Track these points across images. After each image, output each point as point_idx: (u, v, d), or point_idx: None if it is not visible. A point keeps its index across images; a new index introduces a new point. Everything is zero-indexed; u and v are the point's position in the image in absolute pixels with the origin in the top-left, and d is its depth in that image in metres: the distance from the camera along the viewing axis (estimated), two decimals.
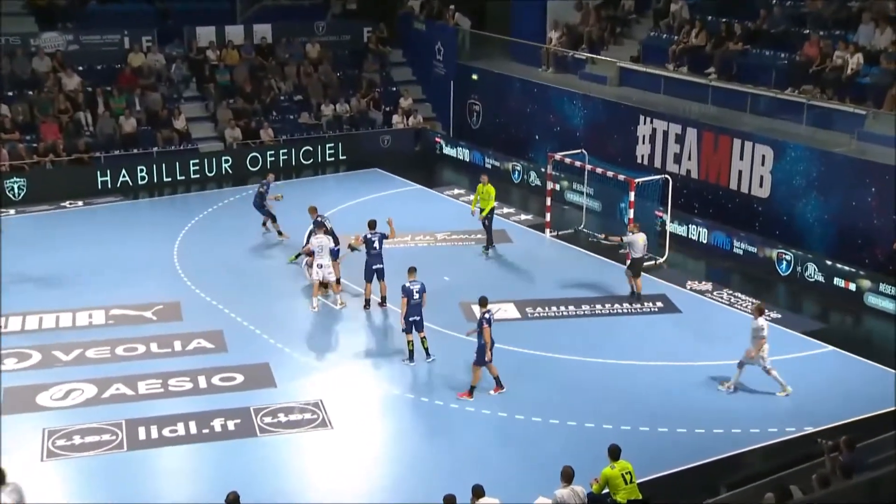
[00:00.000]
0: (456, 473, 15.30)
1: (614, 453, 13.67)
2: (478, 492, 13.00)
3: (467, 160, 32.22)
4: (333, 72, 34.72)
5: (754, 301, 21.73)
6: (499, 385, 18.02)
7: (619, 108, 28.46)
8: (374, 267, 21.20)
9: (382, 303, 21.55)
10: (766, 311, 18.56)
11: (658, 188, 24.70)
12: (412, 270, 19.24)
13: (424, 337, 19.13)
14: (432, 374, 19.00)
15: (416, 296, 18.81)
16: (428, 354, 19.22)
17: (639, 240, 21.92)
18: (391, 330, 20.77)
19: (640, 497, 13.64)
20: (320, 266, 21.33)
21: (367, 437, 16.99)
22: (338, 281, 22.11)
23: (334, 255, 21.80)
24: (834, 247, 23.34)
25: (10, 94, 30.43)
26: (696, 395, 18.28)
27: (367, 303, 21.56)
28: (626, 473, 13.54)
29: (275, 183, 26.49)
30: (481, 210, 24.62)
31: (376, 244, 21.14)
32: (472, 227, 26.19)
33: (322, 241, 21.43)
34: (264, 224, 25.88)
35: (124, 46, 32.86)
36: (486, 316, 17.64)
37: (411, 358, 19.13)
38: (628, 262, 22.42)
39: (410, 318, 18.89)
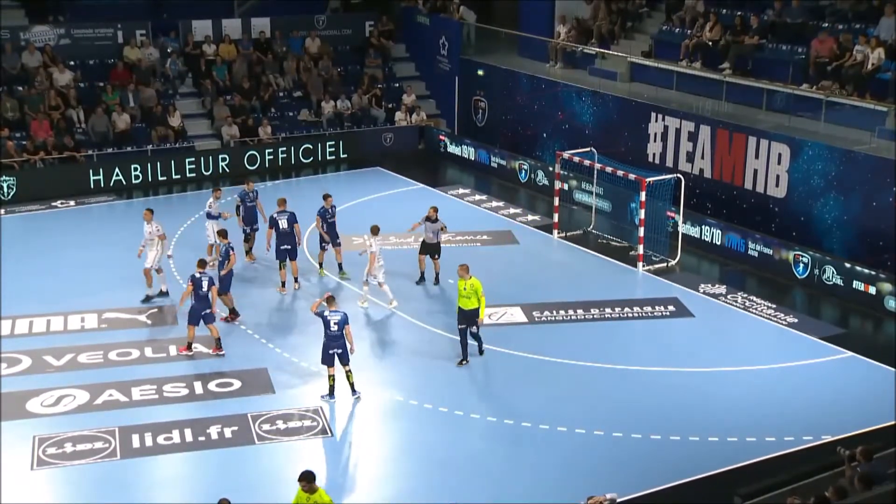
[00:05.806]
0: (461, 482, 15.31)
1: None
2: None
3: (472, 159, 32.03)
4: (334, 67, 34.53)
5: (770, 304, 21.90)
6: (218, 346, 19.38)
7: (629, 104, 28.30)
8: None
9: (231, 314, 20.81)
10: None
11: (670, 188, 24.49)
12: (332, 299, 17.87)
13: (350, 371, 17.74)
14: (435, 380, 18.76)
15: (335, 327, 17.39)
16: (354, 391, 17.86)
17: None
18: (394, 334, 20.56)
19: None
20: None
21: (369, 445, 16.89)
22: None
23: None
24: (853, 249, 23.09)
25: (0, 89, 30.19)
26: (708, 402, 17.99)
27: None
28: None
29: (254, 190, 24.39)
30: (461, 310, 18.97)
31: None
32: (477, 227, 26.27)
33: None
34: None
35: (118, 40, 32.66)
36: (197, 276, 19.13)
37: (331, 394, 17.76)
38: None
39: (331, 351, 17.52)
